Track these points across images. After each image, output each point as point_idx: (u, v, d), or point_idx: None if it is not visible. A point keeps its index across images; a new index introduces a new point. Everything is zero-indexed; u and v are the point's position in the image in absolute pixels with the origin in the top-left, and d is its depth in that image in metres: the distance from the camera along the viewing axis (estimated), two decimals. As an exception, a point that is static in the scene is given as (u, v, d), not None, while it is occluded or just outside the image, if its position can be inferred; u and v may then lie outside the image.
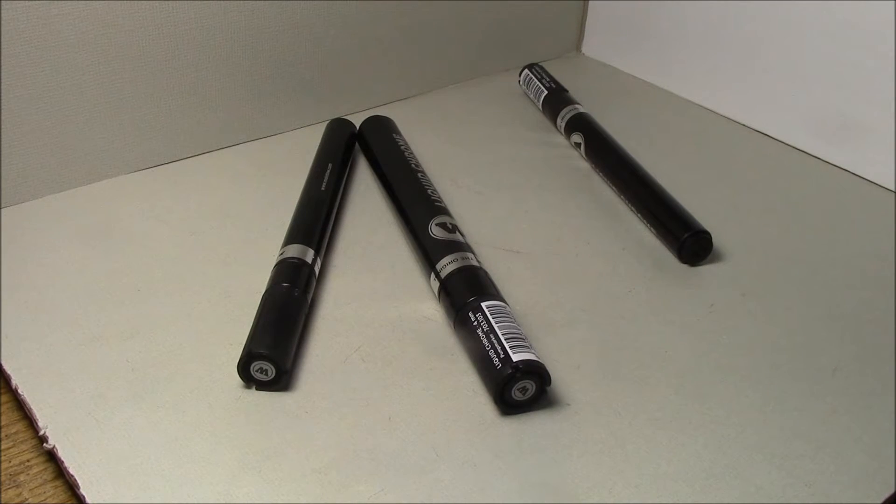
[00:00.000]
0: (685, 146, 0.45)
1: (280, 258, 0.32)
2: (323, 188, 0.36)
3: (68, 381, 0.28)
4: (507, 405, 0.27)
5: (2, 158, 0.37)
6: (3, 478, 0.26)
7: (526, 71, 0.49)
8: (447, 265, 0.31)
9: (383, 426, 0.27)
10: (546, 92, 0.47)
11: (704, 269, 0.35)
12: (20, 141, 0.37)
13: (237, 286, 0.33)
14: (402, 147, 0.40)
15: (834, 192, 0.41)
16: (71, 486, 0.25)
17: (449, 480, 0.25)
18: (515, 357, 0.27)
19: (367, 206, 0.39)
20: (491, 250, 0.36)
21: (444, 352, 0.30)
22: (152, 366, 0.29)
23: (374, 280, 0.34)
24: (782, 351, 0.30)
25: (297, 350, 0.29)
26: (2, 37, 0.34)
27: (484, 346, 0.28)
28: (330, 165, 0.38)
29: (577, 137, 0.43)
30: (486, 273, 0.31)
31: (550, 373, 0.27)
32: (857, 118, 0.42)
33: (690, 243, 0.35)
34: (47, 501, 0.25)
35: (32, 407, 0.27)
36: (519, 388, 0.27)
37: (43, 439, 0.26)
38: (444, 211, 0.35)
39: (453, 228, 0.33)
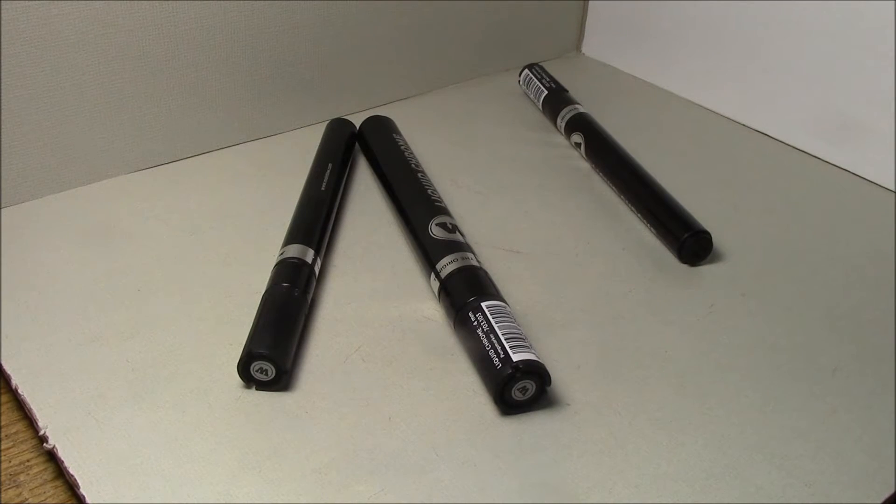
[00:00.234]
0: (685, 146, 0.45)
1: (280, 258, 0.32)
2: (323, 188, 0.36)
3: (68, 381, 0.28)
4: (507, 405, 0.27)
5: (2, 158, 0.37)
6: (3, 478, 0.26)
7: (526, 71, 0.49)
8: (447, 265, 0.31)
9: (383, 426, 0.27)
10: (546, 92, 0.47)
11: (704, 269, 0.35)
12: (20, 141, 0.37)
13: (237, 286, 0.33)
14: (402, 147, 0.40)
15: (834, 192, 0.41)
16: (71, 486, 0.25)
17: (449, 480, 0.25)
18: (515, 357, 0.27)
19: (367, 206, 0.39)
20: (491, 250, 0.36)
21: (444, 352, 0.30)
22: (152, 366, 0.29)
23: (374, 280, 0.34)
24: (782, 351, 0.30)
25: (297, 350, 0.29)
26: (2, 37, 0.34)
27: (484, 346, 0.28)
28: (330, 165, 0.38)
29: (577, 137, 0.43)
30: (486, 273, 0.31)
31: (550, 373, 0.27)
32: (857, 118, 0.42)
33: (690, 243, 0.35)
34: (47, 501, 0.25)
35: (32, 407, 0.27)
36: (519, 388, 0.27)
37: (43, 439, 0.26)
38: (444, 211, 0.35)
39: (453, 228, 0.33)
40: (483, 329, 0.28)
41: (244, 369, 0.28)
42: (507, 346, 0.27)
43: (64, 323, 0.31)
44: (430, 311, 0.32)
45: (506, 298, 0.30)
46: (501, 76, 0.52)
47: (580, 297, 0.33)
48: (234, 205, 0.38)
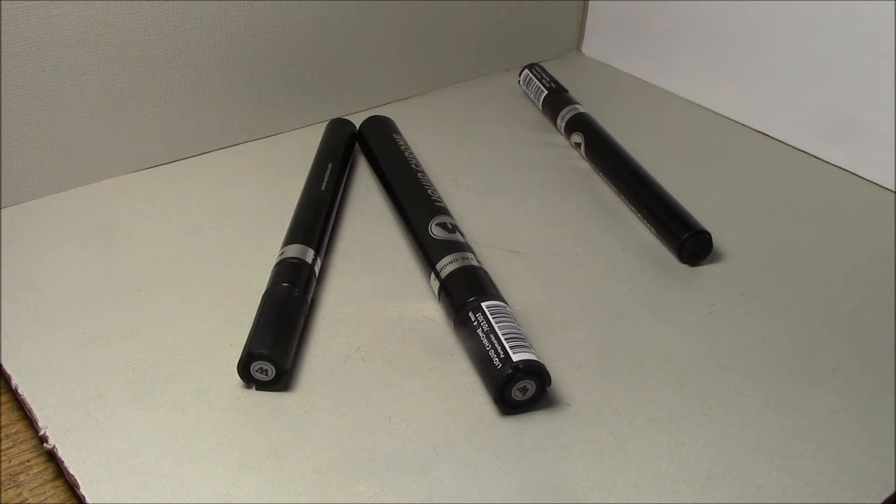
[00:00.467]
0: (685, 146, 0.45)
1: (280, 258, 0.32)
2: (323, 188, 0.36)
3: (68, 381, 0.28)
4: (507, 405, 0.27)
5: (2, 158, 0.37)
6: (3, 478, 0.26)
7: (526, 71, 0.49)
8: (447, 265, 0.31)
9: (383, 426, 0.27)
10: (546, 92, 0.47)
11: (704, 269, 0.35)
12: (20, 141, 0.37)
13: (237, 286, 0.33)
14: (402, 147, 0.40)
15: (834, 192, 0.41)
16: (71, 486, 0.25)
17: (449, 480, 0.25)
18: (515, 357, 0.27)
19: (367, 206, 0.39)
20: (491, 250, 0.36)
21: (444, 352, 0.30)
22: (152, 366, 0.29)
23: (374, 280, 0.34)
24: (782, 351, 0.30)
25: (297, 350, 0.29)
26: (2, 37, 0.34)
27: (484, 346, 0.28)
28: (330, 165, 0.38)
29: (577, 137, 0.43)
30: (486, 273, 0.31)
31: (550, 373, 0.27)
32: (857, 118, 0.42)
33: (690, 243, 0.35)
34: (47, 501, 0.25)
35: (32, 407, 0.27)
36: (519, 388, 0.27)
37: (43, 439, 0.26)
38: (444, 211, 0.35)
39: (453, 228, 0.33)
40: (483, 329, 0.28)
41: (244, 369, 0.28)
42: (507, 346, 0.27)
43: (64, 323, 0.31)
44: (430, 311, 0.32)
45: (506, 298, 0.30)
46: (501, 76, 0.52)
47: (580, 297, 0.33)
48: (234, 205, 0.38)
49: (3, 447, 0.27)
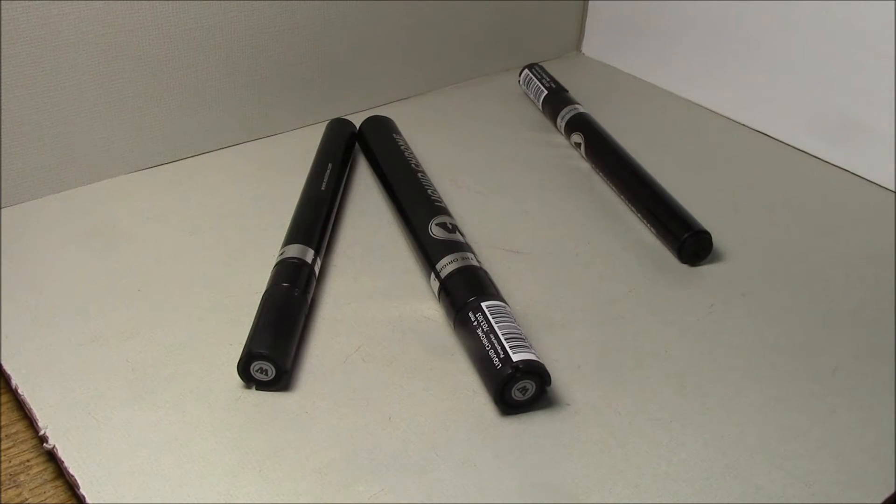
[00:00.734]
0: (685, 146, 0.45)
1: (280, 258, 0.32)
2: (323, 188, 0.36)
3: (68, 381, 0.28)
4: (507, 405, 0.27)
5: (2, 158, 0.37)
6: (3, 478, 0.26)
7: (526, 71, 0.49)
8: (447, 265, 0.31)
9: (383, 426, 0.27)
10: (546, 92, 0.47)
11: (704, 269, 0.35)
12: (20, 141, 0.37)
13: (237, 286, 0.33)
14: (402, 147, 0.40)
15: (834, 192, 0.41)
16: (71, 486, 0.25)
17: (449, 480, 0.25)
18: (515, 357, 0.27)
19: (367, 206, 0.39)
20: (491, 250, 0.36)
21: (444, 352, 0.30)
22: (152, 366, 0.29)
23: (374, 280, 0.34)
24: (782, 351, 0.30)
25: (297, 350, 0.29)
26: (2, 37, 0.34)
27: (484, 346, 0.28)
28: (330, 165, 0.38)
29: (577, 137, 0.43)
30: (486, 273, 0.31)
31: (550, 373, 0.27)
32: (857, 118, 0.42)
33: (690, 243, 0.35)
34: (47, 501, 0.25)
35: (32, 407, 0.27)
36: (519, 388, 0.27)
37: (43, 439, 0.26)
38: (444, 211, 0.35)
39: (453, 228, 0.33)
40: (483, 329, 0.28)
41: (244, 369, 0.28)
42: (507, 346, 0.27)
43: (64, 323, 0.31)
44: (430, 311, 0.32)
45: (506, 298, 0.30)
46: (501, 76, 0.52)
47: (580, 297, 0.33)
48: (234, 205, 0.38)
49: (3, 447, 0.27)
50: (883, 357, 0.30)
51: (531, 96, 0.48)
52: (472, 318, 0.29)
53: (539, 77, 0.48)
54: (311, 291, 0.32)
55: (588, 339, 0.31)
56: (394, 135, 0.41)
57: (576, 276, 0.34)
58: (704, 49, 0.48)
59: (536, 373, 0.27)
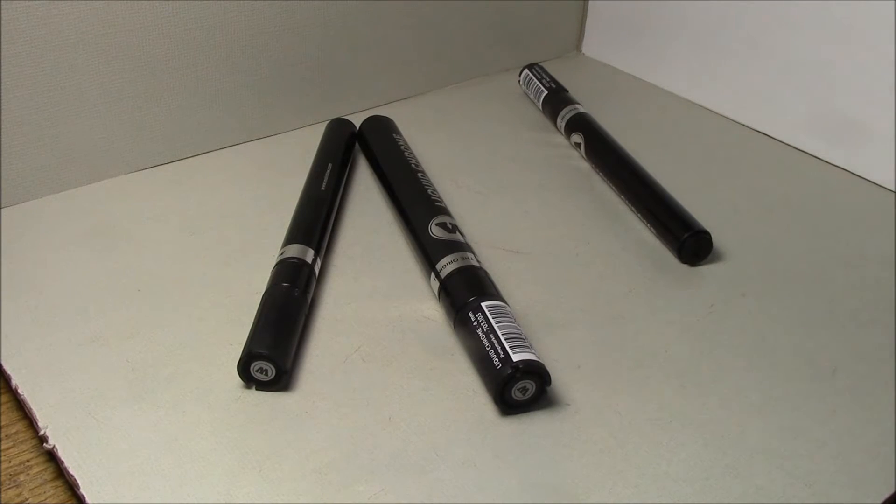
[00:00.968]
0: (685, 146, 0.45)
1: (280, 258, 0.32)
2: (323, 188, 0.36)
3: (68, 381, 0.28)
4: (507, 405, 0.27)
5: (2, 158, 0.37)
6: (3, 478, 0.26)
7: (526, 71, 0.49)
8: (447, 265, 0.31)
9: (383, 426, 0.27)
10: (546, 92, 0.47)
11: (704, 269, 0.35)
12: (20, 141, 0.37)
13: (237, 286, 0.33)
14: (402, 147, 0.40)
15: (834, 192, 0.41)
16: (71, 486, 0.25)
17: (449, 480, 0.25)
18: (515, 357, 0.27)
19: (367, 206, 0.39)
20: (491, 250, 0.36)
21: (444, 352, 0.30)
22: (152, 366, 0.29)
23: (374, 280, 0.34)
24: (782, 351, 0.30)
25: (297, 350, 0.29)
26: (2, 37, 0.34)
27: (484, 346, 0.28)
28: (330, 165, 0.38)
29: (577, 137, 0.43)
30: (486, 273, 0.31)
31: (550, 373, 0.27)
32: (857, 118, 0.42)
33: (690, 243, 0.35)
34: (47, 501, 0.25)
35: (32, 407, 0.27)
36: (519, 388, 0.27)
37: (43, 439, 0.26)
38: (444, 211, 0.35)
39: (453, 228, 0.33)
40: (483, 329, 0.28)
41: (244, 369, 0.28)
42: (507, 346, 0.27)
43: (64, 323, 0.31)
44: (430, 311, 0.32)
45: (506, 298, 0.30)
46: (501, 76, 0.52)
47: (580, 297, 0.33)
48: (234, 205, 0.38)
49: (3, 447, 0.27)
50: (883, 357, 0.30)
51: (531, 96, 0.48)
52: (472, 318, 0.29)
53: (539, 77, 0.48)
54: (311, 291, 0.32)
55: (588, 339, 0.31)
56: (394, 135, 0.41)
57: (576, 276, 0.34)
58: (704, 49, 0.48)
59: (536, 373, 0.27)
